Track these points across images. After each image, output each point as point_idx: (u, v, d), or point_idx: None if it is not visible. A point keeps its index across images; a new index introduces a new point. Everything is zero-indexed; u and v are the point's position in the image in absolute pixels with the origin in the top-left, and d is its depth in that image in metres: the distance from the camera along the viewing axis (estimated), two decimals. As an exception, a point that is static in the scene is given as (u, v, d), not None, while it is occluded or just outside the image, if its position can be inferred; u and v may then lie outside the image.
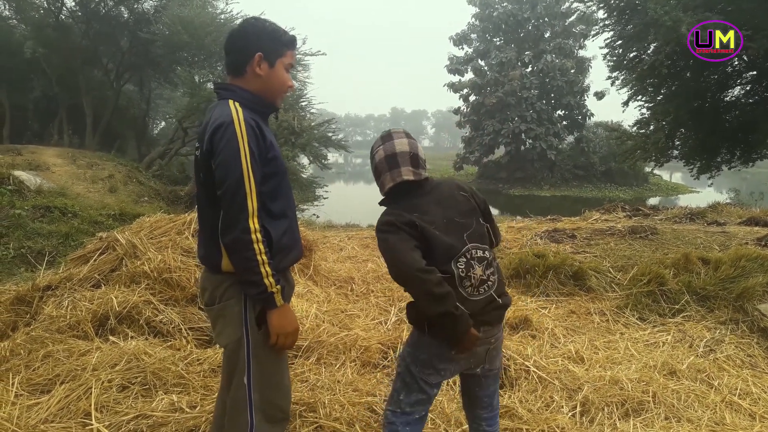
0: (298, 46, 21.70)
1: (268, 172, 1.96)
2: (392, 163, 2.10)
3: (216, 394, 2.63)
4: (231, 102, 1.94)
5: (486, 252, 2.13)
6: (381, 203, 2.16)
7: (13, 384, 3.15)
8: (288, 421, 2.19)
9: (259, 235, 1.84)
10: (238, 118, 1.87)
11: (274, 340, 1.95)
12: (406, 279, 1.98)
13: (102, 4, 22.51)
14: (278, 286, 1.89)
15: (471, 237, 2.10)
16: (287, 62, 2.06)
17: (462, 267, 2.05)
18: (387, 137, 2.16)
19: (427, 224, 2.03)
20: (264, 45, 1.99)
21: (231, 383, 2.05)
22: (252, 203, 1.84)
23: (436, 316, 1.99)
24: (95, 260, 4.58)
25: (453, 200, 2.15)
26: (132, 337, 3.69)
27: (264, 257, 1.85)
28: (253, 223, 1.84)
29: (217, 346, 3.49)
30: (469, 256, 2.07)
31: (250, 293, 1.91)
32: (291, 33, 2.12)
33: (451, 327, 2.01)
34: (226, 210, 1.86)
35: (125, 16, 23.33)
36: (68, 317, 3.83)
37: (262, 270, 1.85)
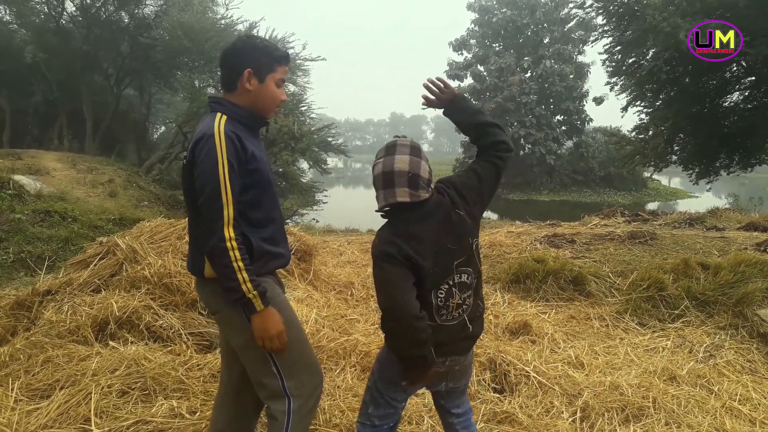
0: (298, 51, 21.85)
1: (249, 183, 2.01)
2: (387, 182, 1.95)
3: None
4: (218, 115, 2.00)
5: (469, 277, 2.07)
6: (380, 214, 2.08)
7: (12, 389, 3.14)
8: (319, 399, 2.26)
9: (234, 243, 1.89)
10: (218, 130, 1.93)
11: (260, 343, 1.99)
12: (398, 320, 1.90)
13: (103, 9, 22.59)
14: (255, 291, 1.93)
15: (459, 264, 2.03)
16: (278, 78, 2.10)
17: (442, 296, 1.99)
18: (390, 150, 1.99)
19: (421, 258, 1.93)
20: (254, 61, 2.05)
21: (246, 383, 2.16)
22: (228, 212, 1.89)
23: (407, 356, 1.97)
24: (95, 265, 4.58)
25: (450, 225, 2.02)
26: (132, 342, 3.69)
27: (240, 264, 1.90)
28: (228, 232, 1.89)
29: (218, 351, 3.50)
30: (451, 283, 2.01)
31: (230, 299, 1.95)
32: (284, 50, 2.18)
33: (414, 367, 1.99)
34: (205, 219, 1.93)
35: (126, 21, 23.39)
36: (68, 322, 3.83)
37: (239, 276, 1.90)
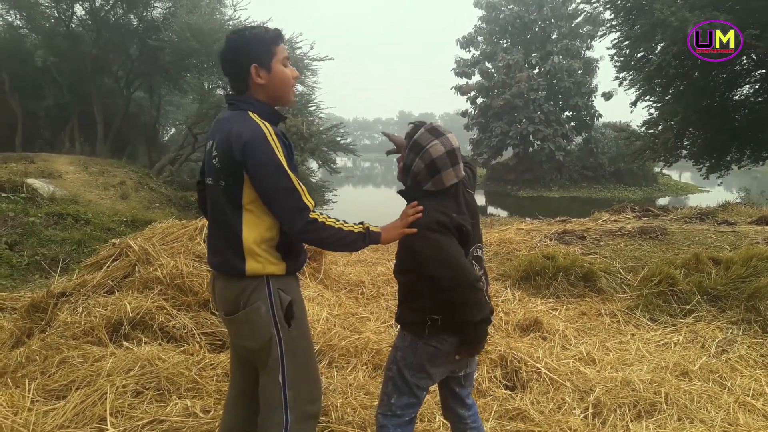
0: (306, 51, 21.85)
1: None
2: (454, 159, 2.08)
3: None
4: (251, 114, 2.00)
5: (482, 252, 2.20)
6: (414, 196, 2.13)
7: (29, 390, 3.18)
8: (318, 418, 2.22)
9: (319, 213, 1.97)
10: (268, 131, 1.95)
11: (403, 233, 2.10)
12: (463, 286, 1.96)
13: (112, 12, 22.75)
14: (362, 226, 2.05)
15: (476, 237, 2.16)
16: (281, 57, 2.07)
17: None
18: (437, 131, 2.10)
19: (469, 227, 2.07)
20: (254, 54, 2.02)
21: (253, 386, 2.14)
22: (306, 198, 1.96)
23: (477, 322, 2.01)
24: (108, 266, 4.61)
25: (471, 199, 2.20)
26: (146, 343, 3.72)
27: (335, 223, 1.99)
28: (308, 201, 1.95)
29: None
30: (470, 257, 2.10)
31: (356, 249, 2.07)
32: (273, 29, 2.13)
33: (481, 333, 2.05)
34: (289, 214, 1.95)
35: (135, 24, 23.56)
36: (83, 323, 3.86)
37: (345, 229, 2.00)
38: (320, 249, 5.47)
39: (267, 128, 1.95)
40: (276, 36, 2.08)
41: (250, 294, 2.01)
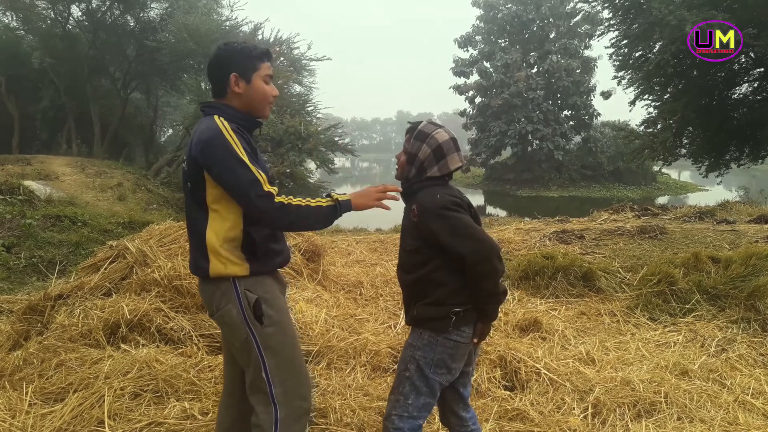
0: (303, 52, 21.85)
1: None
2: (457, 146, 2.21)
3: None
4: (216, 117, 2.05)
5: None
6: (420, 183, 2.20)
7: (26, 393, 3.17)
8: (309, 414, 2.23)
9: (282, 197, 1.97)
10: (224, 127, 2.00)
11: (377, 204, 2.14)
12: (490, 256, 2.04)
13: (108, 13, 22.72)
14: (328, 198, 2.06)
15: None
16: (264, 74, 2.15)
17: None
18: (437, 123, 2.25)
19: (475, 211, 2.19)
20: (236, 65, 2.10)
21: (242, 386, 2.16)
22: (260, 175, 1.95)
23: (501, 293, 2.13)
24: (106, 269, 4.60)
25: (474, 212, 2.29)
26: (143, 345, 3.71)
27: (301, 202, 2.00)
28: (269, 188, 1.95)
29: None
30: None
31: (330, 222, 2.08)
32: (263, 47, 2.24)
33: (497, 308, 2.16)
34: (248, 201, 1.96)
35: (131, 24, 23.54)
36: (80, 326, 3.86)
37: (313, 207, 2.01)
38: (318, 250, 5.47)
39: (224, 125, 2.00)
40: (263, 54, 2.17)
41: (221, 297, 2.06)
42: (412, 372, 2.19)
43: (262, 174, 1.96)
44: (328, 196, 2.08)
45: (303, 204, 1.99)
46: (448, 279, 2.12)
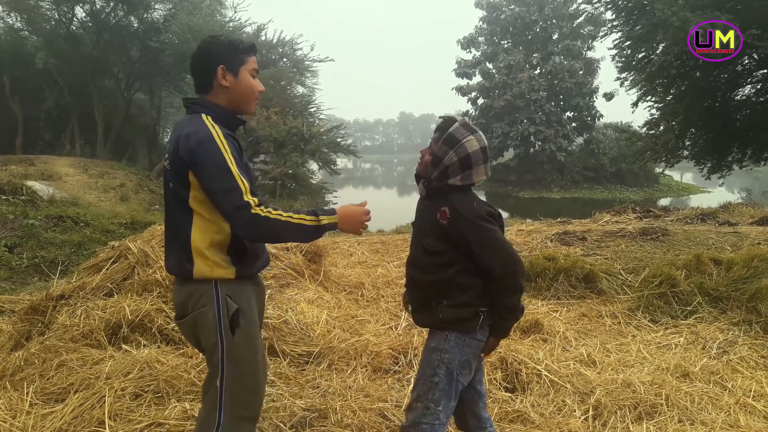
0: (306, 53, 21.91)
1: None
2: (486, 156, 2.15)
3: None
4: (204, 117, 2.01)
5: None
6: (440, 190, 2.15)
7: (27, 393, 3.17)
8: (257, 421, 2.19)
9: (263, 207, 1.90)
10: (215, 131, 1.95)
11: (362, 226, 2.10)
12: (516, 272, 2.06)
13: (112, 14, 22.81)
14: (317, 217, 1.97)
15: None
16: (251, 68, 2.11)
17: None
18: (471, 127, 2.15)
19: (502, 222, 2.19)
20: (223, 57, 2.05)
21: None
22: (243, 184, 1.90)
23: (517, 311, 2.13)
24: (107, 269, 4.61)
25: None
26: (144, 345, 3.71)
27: (283, 214, 1.92)
28: (250, 199, 1.89)
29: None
30: None
31: (310, 239, 2.05)
32: (248, 41, 2.19)
33: (511, 325, 2.19)
34: (227, 214, 1.92)
35: (135, 25, 23.62)
36: (81, 326, 3.86)
37: (295, 221, 1.93)
38: (319, 251, 5.48)
39: (215, 130, 1.95)
40: (249, 48, 2.13)
41: (199, 298, 2.01)
42: (442, 377, 2.13)
43: (245, 182, 1.91)
44: (314, 213, 1.99)
45: (282, 219, 1.91)
46: (474, 282, 2.10)
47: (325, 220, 1.98)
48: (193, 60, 2.11)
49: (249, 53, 2.11)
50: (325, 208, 2.05)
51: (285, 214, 1.92)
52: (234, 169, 1.90)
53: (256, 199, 1.91)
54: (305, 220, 1.95)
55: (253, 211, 1.87)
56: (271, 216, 1.90)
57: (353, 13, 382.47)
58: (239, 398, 2.06)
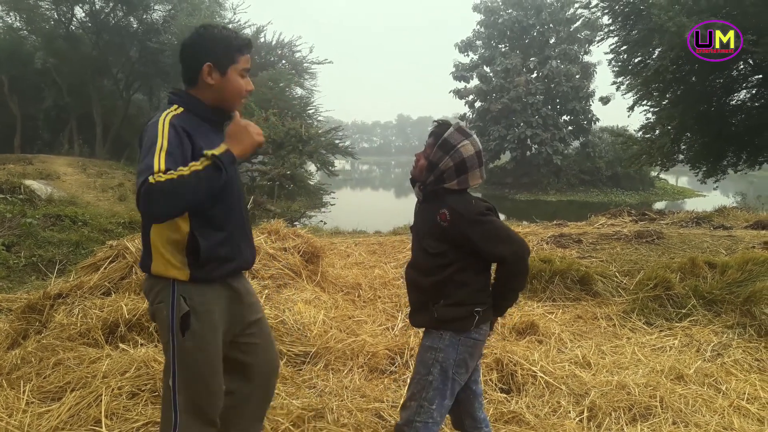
0: (305, 55, 21.90)
1: None
2: (481, 160, 2.16)
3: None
4: (173, 107, 1.94)
5: None
6: (436, 194, 2.16)
7: (24, 392, 3.18)
8: (215, 425, 2.10)
9: (156, 176, 1.68)
10: (163, 119, 1.84)
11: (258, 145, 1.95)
12: (525, 256, 2.10)
13: (112, 14, 22.81)
14: (204, 158, 1.77)
15: None
16: (241, 68, 2.01)
17: None
18: (465, 132, 2.15)
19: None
20: (213, 54, 1.95)
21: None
22: (158, 161, 1.72)
23: (521, 288, 2.25)
24: (105, 268, 4.62)
25: None
26: (141, 345, 3.71)
27: (171, 174, 1.69)
28: (157, 176, 1.68)
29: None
30: None
31: (218, 183, 1.80)
32: (244, 36, 2.08)
33: (512, 304, 2.29)
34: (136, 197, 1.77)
35: (135, 26, 23.63)
36: (79, 325, 3.86)
37: (187, 174, 1.72)
38: (317, 252, 5.48)
39: (165, 117, 1.85)
40: (243, 45, 2.02)
41: (157, 293, 1.98)
42: (436, 375, 2.14)
43: (162, 160, 1.73)
44: (202, 155, 1.79)
45: (175, 177, 1.68)
46: (472, 280, 2.13)
47: (216, 152, 1.79)
48: (181, 49, 2.01)
49: (242, 51, 2.01)
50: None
51: (176, 173, 1.70)
52: (158, 150, 1.74)
53: (157, 169, 1.70)
54: (195, 165, 1.74)
55: (148, 183, 1.67)
56: (163, 179, 1.67)
57: (353, 14, 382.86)
58: (191, 400, 2.01)
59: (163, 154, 1.74)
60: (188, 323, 1.94)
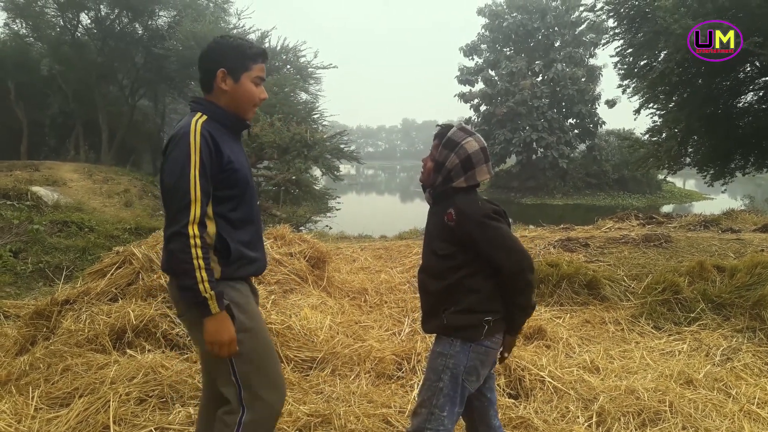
0: (309, 60, 21.97)
1: (226, 185, 2.00)
2: (486, 156, 2.16)
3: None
4: (198, 114, 2.02)
5: None
6: (444, 194, 2.17)
7: (32, 398, 3.19)
8: (276, 419, 2.19)
9: (197, 241, 1.85)
10: (194, 128, 1.94)
11: (209, 348, 1.94)
12: (527, 269, 2.06)
13: (117, 21, 22.95)
14: (212, 292, 1.88)
15: None
16: (254, 75, 2.09)
17: None
18: (468, 130, 2.17)
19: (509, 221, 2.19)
20: (227, 61, 2.04)
21: (214, 388, 2.12)
22: (195, 211, 1.87)
23: (531, 307, 2.16)
24: (112, 274, 4.63)
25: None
26: (149, 350, 3.73)
27: (200, 262, 1.85)
28: (193, 229, 1.85)
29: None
30: None
31: (185, 299, 1.90)
32: (259, 46, 2.16)
33: (524, 321, 2.19)
34: (167, 213, 1.91)
35: (140, 32, 23.77)
36: (86, 331, 3.88)
37: (198, 275, 1.85)
38: (322, 257, 5.49)
39: (195, 125, 1.95)
40: (258, 54, 2.10)
41: None
42: (446, 382, 2.12)
43: (199, 197, 1.87)
44: (220, 295, 1.91)
45: (193, 262, 1.84)
46: (482, 285, 2.10)
47: (213, 305, 1.89)
48: (200, 58, 2.11)
49: (256, 60, 2.09)
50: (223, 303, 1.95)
51: (198, 259, 1.86)
52: (195, 174, 1.88)
53: (196, 216, 1.87)
54: (203, 286, 1.86)
55: (186, 229, 1.85)
56: (189, 248, 1.84)
57: (356, 17, 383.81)
58: (258, 394, 2.05)
59: (200, 186, 1.88)
60: (232, 313, 1.98)
